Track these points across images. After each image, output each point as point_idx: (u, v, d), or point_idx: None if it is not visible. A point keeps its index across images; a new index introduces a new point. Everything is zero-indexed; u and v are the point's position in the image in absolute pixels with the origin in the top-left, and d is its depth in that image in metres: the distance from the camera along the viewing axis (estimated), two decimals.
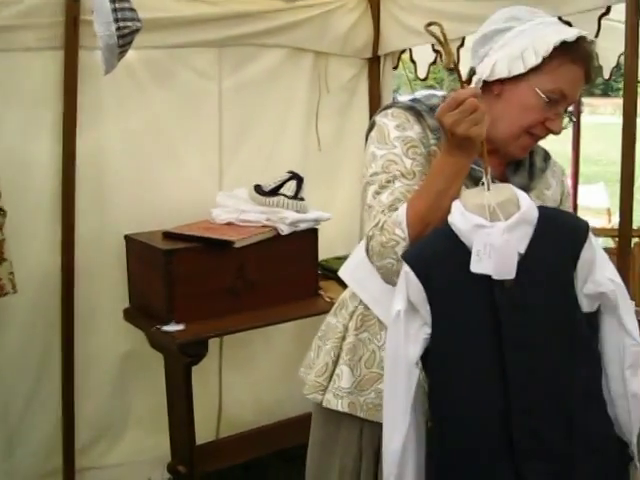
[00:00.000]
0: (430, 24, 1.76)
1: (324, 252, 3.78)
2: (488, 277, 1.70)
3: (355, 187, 4.17)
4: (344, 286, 3.58)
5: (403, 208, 1.83)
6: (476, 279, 1.70)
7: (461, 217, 1.73)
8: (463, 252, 1.72)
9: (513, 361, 1.72)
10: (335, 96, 4.18)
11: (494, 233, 1.69)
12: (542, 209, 1.77)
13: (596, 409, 1.83)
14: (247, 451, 3.69)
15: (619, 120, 3.35)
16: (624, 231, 3.38)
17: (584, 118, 6.29)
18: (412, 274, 1.74)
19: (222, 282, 3.30)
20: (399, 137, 1.95)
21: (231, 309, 3.30)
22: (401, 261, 1.79)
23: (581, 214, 6.72)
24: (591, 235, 1.80)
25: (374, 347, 2.08)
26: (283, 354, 3.96)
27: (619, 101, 3.77)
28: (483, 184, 1.76)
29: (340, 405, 2.09)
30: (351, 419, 2.11)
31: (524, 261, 1.71)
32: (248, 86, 3.81)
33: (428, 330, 1.76)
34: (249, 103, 3.83)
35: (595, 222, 7.89)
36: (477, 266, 1.69)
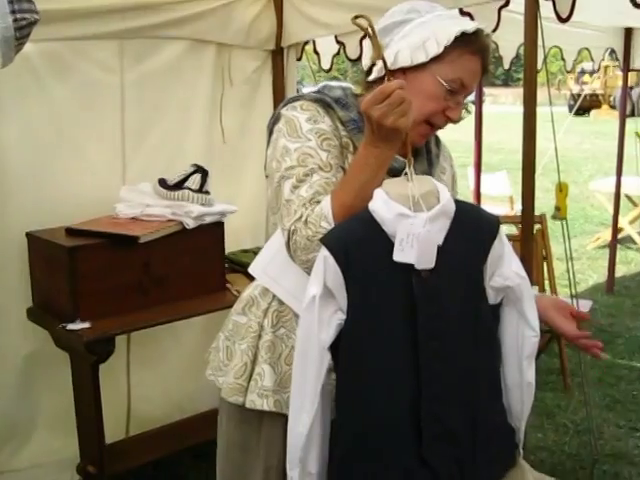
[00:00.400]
0: (357, 17, 1.76)
1: (231, 245, 3.77)
2: (406, 266, 1.72)
3: (261, 180, 4.14)
4: (252, 279, 3.59)
5: (327, 201, 1.83)
6: (394, 267, 1.73)
7: (384, 205, 1.74)
8: (383, 240, 1.74)
9: (426, 349, 1.76)
10: (239, 88, 4.17)
11: (417, 223, 1.71)
12: (457, 203, 1.81)
13: (495, 397, 1.92)
14: (157, 448, 3.66)
15: (520, 109, 3.42)
16: (526, 218, 3.45)
17: (486, 108, 6.39)
18: (331, 259, 1.74)
19: (128, 278, 3.25)
20: (312, 130, 1.95)
21: (138, 305, 3.27)
22: None
23: (484, 202, 6.89)
24: (501, 230, 1.87)
25: (293, 343, 2.04)
26: (192, 349, 3.94)
27: (519, 90, 3.84)
28: (404, 175, 1.78)
29: (266, 404, 2.06)
30: (272, 417, 2.10)
31: (440, 252, 1.75)
32: (151, 79, 3.76)
33: (342, 316, 1.77)
34: (152, 96, 3.78)
35: (498, 210, 8.06)
36: (400, 255, 1.71)
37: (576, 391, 5.02)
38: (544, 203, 5.40)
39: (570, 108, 29.91)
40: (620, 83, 8.33)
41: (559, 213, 4.09)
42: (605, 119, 26.09)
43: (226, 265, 3.70)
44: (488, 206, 7.68)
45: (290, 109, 2.00)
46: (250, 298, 2.17)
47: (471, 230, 1.82)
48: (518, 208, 3.91)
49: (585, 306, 5.74)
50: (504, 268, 1.86)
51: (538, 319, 1.92)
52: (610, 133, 8.30)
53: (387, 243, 1.74)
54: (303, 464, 1.83)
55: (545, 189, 5.06)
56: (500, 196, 8.57)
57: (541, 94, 3.51)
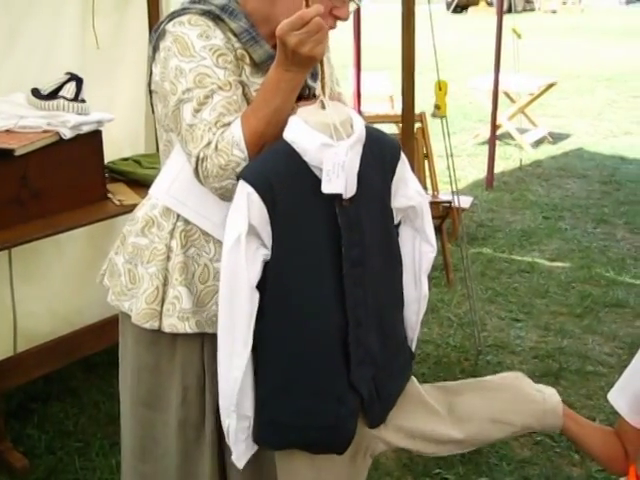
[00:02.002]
0: None
1: (110, 154, 3.68)
2: (328, 196, 1.71)
3: (138, 86, 4.06)
4: (134, 188, 3.52)
5: (238, 127, 1.77)
6: (317, 198, 1.72)
7: (307, 135, 1.71)
8: (305, 171, 1.72)
9: (350, 277, 1.78)
10: None
11: (340, 152, 1.69)
12: (365, 128, 1.79)
13: (399, 315, 2.00)
14: (47, 363, 3.59)
15: (398, 8, 3.39)
16: (407, 117, 3.48)
17: (365, 7, 6.34)
18: (255, 195, 1.70)
19: (5, 192, 3.13)
20: (205, 47, 1.85)
21: (17, 220, 3.17)
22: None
23: (365, 102, 6.89)
24: (402, 153, 1.89)
25: (205, 261, 2.02)
26: (77, 261, 3.87)
27: None
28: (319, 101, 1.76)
29: (188, 327, 2.02)
30: (188, 338, 2.06)
31: (357, 180, 1.75)
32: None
33: (265, 251, 1.75)
34: (17, 1, 3.59)
35: (379, 109, 8.09)
36: (328, 186, 1.69)
37: (459, 285, 5.17)
38: (424, 101, 5.43)
39: (448, 6, 30.10)
40: None
41: (439, 111, 4.13)
42: (482, 16, 26.27)
43: (106, 175, 3.62)
44: (369, 105, 7.71)
45: (177, 25, 1.88)
46: (149, 218, 2.07)
47: (378, 154, 1.83)
48: (399, 107, 3.92)
49: (466, 202, 5.88)
50: (407, 189, 1.91)
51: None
52: (488, 30, 8.36)
53: (310, 174, 1.72)
54: (239, 409, 1.80)
55: (424, 88, 5.09)
56: (381, 95, 8.59)
57: None
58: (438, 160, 5.86)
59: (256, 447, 1.88)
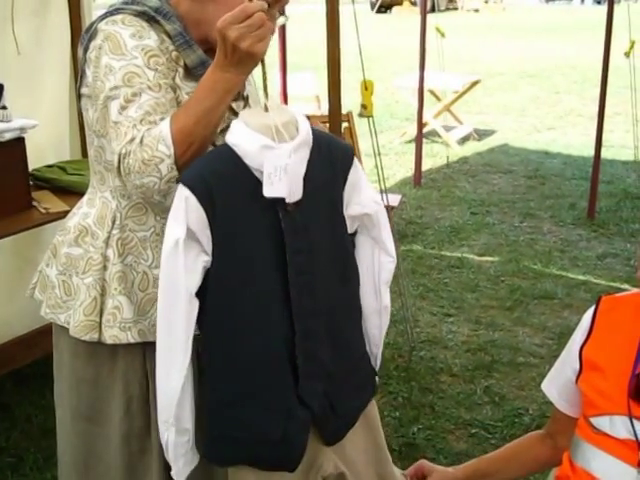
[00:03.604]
0: None
1: (34, 161, 3.61)
2: (272, 201, 1.66)
3: (61, 91, 4.00)
4: (59, 195, 3.46)
5: (166, 124, 1.73)
6: (260, 203, 1.66)
7: (247, 137, 1.66)
8: (247, 174, 1.67)
9: (297, 285, 1.72)
10: None
11: (283, 154, 1.64)
12: (313, 132, 1.75)
13: (357, 327, 1.93)
14: None
15: (322, 8, 3.40)
16: (334, 116, 3.48)
17: (289, 7, 6.33)
18: (194, 199, 1.64)
19: None
20: (138, 46, 1.81)
21: None
22: (165, 180, 1.70)
23: (291, 102, 6.88)
24: (355, 159, 1.84)
25: (144, 268, 1.97)
26: (2, 272, 3.78)
27: None
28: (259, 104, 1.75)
29: (130, 336, 1.96)
30: (129, 347, 2.00)
31: (304, 184, 1.70)
32: None
33: (206, 258, 1.69)
34: None
35: (305, 109, 8.09)
36: (270, 190, 1.64)
37: (391, 283, 5.19)
38: (351, 101, 5.46)
39: (372, 6, 30.29)
40: None
41: (365, 110, 4.15)
42: (406, 16, 26.50)
43: (31, 182, 3.55)
44: (296, 106, 7.70)
45: (110, 23, 1.84)
46: (83, 227, 2.01)
47: (328, 159, 1.77)
48: (325, 107, 3.93)
49: (395, 200, 5.92)
50: (362, 196, 1.85)
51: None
52: (412, 29, 8.45)
53: (251, 178, 1.67)
54: (178, 422, 1.75)
55: (351, 87, 5.11)
56: (307, 96, 8.60)
57: None
58: (366, 159, 5.89)
59: (195, 462, 1.83)
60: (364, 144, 5.46)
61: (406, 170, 8.11)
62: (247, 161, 1.66)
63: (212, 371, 1.77)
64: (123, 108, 1.78)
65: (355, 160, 1.85)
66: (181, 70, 1.89)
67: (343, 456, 1.90)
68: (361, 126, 5.54)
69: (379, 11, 29.86)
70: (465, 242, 6.10)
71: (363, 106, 4.25)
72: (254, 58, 1.69)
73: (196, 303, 1.70)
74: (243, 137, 1.67)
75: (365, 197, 1.86)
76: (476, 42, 19.86)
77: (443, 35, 8.02)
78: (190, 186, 1.64)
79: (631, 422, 1.65)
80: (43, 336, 3.50)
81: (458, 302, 4.96)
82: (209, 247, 1.68)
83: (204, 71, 1.79)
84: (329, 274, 1.79)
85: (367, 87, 4.18)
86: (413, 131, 8.31)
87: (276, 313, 1.73)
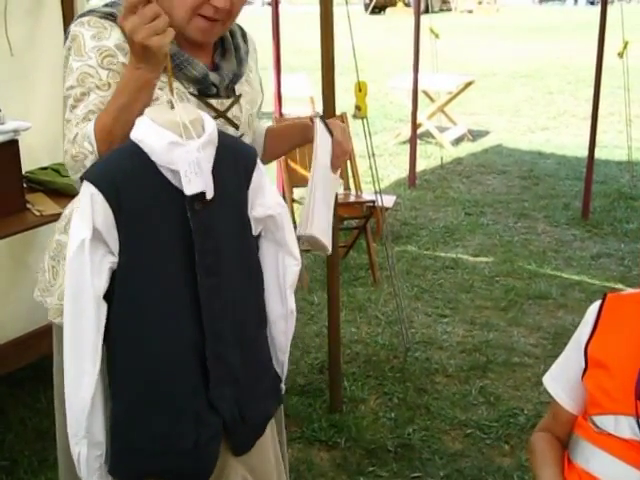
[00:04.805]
0: None
1: (28, 164, 3.60)
2: (180, 200, 1.64)
3: (55, 93, 3.96)
4: (53, 198, 3.45)
5: (92, 121, 1.76)
6: (167, 201, 1.64)
7: (154, 134, 1.63)
8: (153, 172, 1.64)
9: (205, 287, 1.69)
10: None
11: (192, 150, 1.62)
12: (219, 133, 1.74)
13: (263, 334, 1.91)
14: None
15: (316, 9, 3.40)
16: (328, 117, 3.47)
17: (282, 8, 6.34)
18: (100, 197, 1.59)
19: None
20: (95, 47, 1.84)
21: None
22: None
23: (285, 104, 6.88)
24: (259, 161, 1.83)
25: None
26: None
27: None
28: (168, 102, 1.69)
29: None
30: None
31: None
32: None
33: (113, 259, 1.64)
34: None
35: (299, 110, 8.10)
36: (189, 187, 1.62)
37: (385, 284, 5.20)
38: (345, 102, 5.46)
39: (366, 7, 30.31)
40: None
41: (359, 112, 4.14)
42: (400, 17, 26.51)
43: (25, 185, 3.54)
44: (290, 107, 7.71)
45: (78, 25, 1.88)
46: (71, 216, 2.02)
47: (232, 160, 1.76)
48: (319, 108, 3.92)
49: (389, 201, 5.92)
50: (266, 198, 1.83)
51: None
52: (406, 30, 8.46)
53: (158, 175, 1.64)
54: (90, 435, 1.67)
55: (345, 88, 5.11)
56: (300, 97, 8.60)
57: None
58: (360, 160, 5.89)
59: (110, 478, 1.75)
60: (358, 145, 5.44)
61: (400, 171, 8.11)
62: (154, 158, 1.63)
63: (117, 378, 1.71)
64: (73, 107, 1.83)
65: (259, 162, 1.83)
66: None
67: (251, 467, 1.87)
68: (355, 127, 5.54)
69: (373, 12, 29.89)
70: (459, 243, 6.10)
71: (357, 107, 4.24)
72: (150, 52, 1.64)
73: (104, 307, 1.65)
74: (150, 133, 1.63)
75: (269, 199, 1.84)
76: (470, 43, 19.89)
77: (437, 36, 8.02)
78: (95, 183, 1.61)
79: (637, 423, 1.64)
80: (37, 339, 3.50)
81: (453, 303, 4.96)
82: (116, 247, 1.64)
83: (176, 65, 1.86)
84: (236, 276, 1.77)
85: (361, 88, 4.17)
86: (407, 132, 8.31)
87: (184, 316, 1.69)
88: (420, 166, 8.11)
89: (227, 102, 2.01)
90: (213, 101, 1.97)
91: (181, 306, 1.69)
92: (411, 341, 4.37)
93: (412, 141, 7.66)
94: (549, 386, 1.94)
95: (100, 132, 1.73)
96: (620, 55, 7.12)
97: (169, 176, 1.64)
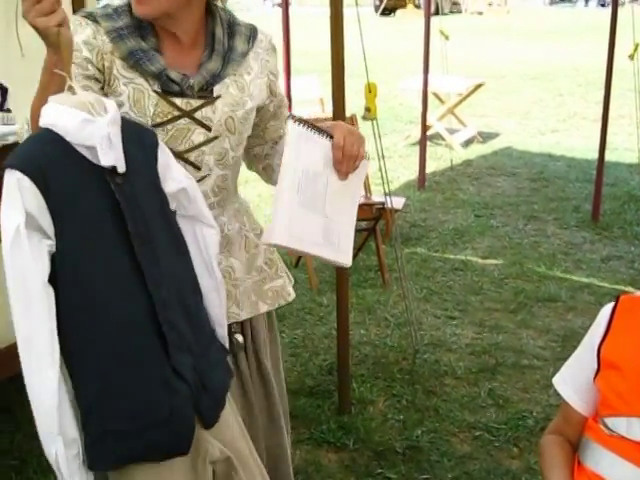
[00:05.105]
0: None
1: None
2: (101, 174, 1.67)
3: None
4: None
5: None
6: (91, 178, 1.67)
7: (65, 115, 1.64)
8: (71, 152, 1.66)
9: (142, 254, 1.70)
10: None
11: (103, 126, 1.65)
12: (121, 115, 1.78)
13: (202, 303, 1.92)
14: None
15: (326, 11, 3.40)
16: (338, 118, 3.48)
17: (292, 10, 6.34)
18: (27, 180, 1.59)
19: None
20: None
21: None
22: None
23: (295, 105, 6.89)
24: (160, 140, 1.86)
25: None
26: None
27: None
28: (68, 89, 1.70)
29: None
30: None
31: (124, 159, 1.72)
32: None
33: (49, 241, 1.62)
34: None
35: (309, 112, 8.09)
36: (105, 159, 1.65)
37: (394, 286, 5.20)
38: (354, 104, 5.46)
39: (376, 9, 30.30)
40: None
41: (369, 113, 4.15)
42: (410, 18, 26.50)
43: None
44: (300, 109, 7.71)
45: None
46: None
47: (136, 138, 1.79)
48: (329, 110, 3.93)
49: (399, 203, 5.92)
50: (173, 172, 1.86)
51: None
52: (416, 32, 8.47)
53: (76, 154, 1.66)
54: (64, 430, 1.62)
55: (355, 90, 5.10)
56: (311, 99, 8.60)
57: None
58: (370, 162, 5.88)
59: (92, 477, 1.69)
60: (368, 147, 5.45)
61: (410, 173, 8.11)
62: (69, 139, 1.65)
63: (77, 362, 1.67)
64: None
65: (160, 142, 1.86)
66: (118, 61, 1.97)
67: (224, 440, 1.88)
68: (365, 129, 5.53)
69: (383, 14, 29.90)
70: (469, 245, 6.10)
71: (367, 109, 4.24)
72: (41, 33, 1.66)
73: (52, 291, 1.62)
74: (61, 115, 1.65)
75: (177, 173, 1.87)
76: (480, 45, 19.87)
77: (447, 38, 8.02)
78: (20, 168, 1.60)
79: None
80: None
81: (462, 305, 4.95)
82: (51, 230, 1.62)
83: (135, 61, 1.95)
84: (165, 246, 1.79)
85: (371, 90, 4.18)
86: (417, 134, 8.30)
87: (131, 284, 1.69)
88: (430, 168, 8.11)
89: (196, 102, 2.02)
90: (177, 100, 1.99)
91: (125, 276, 1.69)
92: (420, 343, 4.36)
93: (422, 143, 7.65)
94: (560, 387, 1.93)
95: (31, 112, 1.80)
96: (631, 57, 7.10)
97: (86, 154, 1.66)
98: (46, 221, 1.61)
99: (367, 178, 5.62)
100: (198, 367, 1.78)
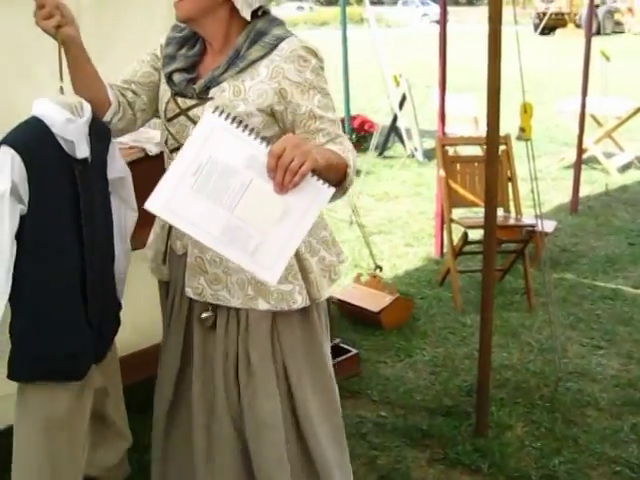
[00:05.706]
0: None
1: None
2: (69, 160, 2.22)
3: None
4: None
5: None
6: (62, 163, 2.22)
7: (55, 111, 2.18)
8: (52, 140, 2.20)
9: (87, 227, 2.29)
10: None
11: (81, 125, 2.23)
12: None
13: (112, 268, 2.52)
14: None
15: (484, 28, 3.38)
16: (491, 139, 3.45)
17: (450, 27, 6.32)
18: (18, 158, 2.12)
19: None
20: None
21: None
22: None
23: (449, 123, 6.85)
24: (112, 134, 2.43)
25: None
26: None
27: (484, 9, 3.80)
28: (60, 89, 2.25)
29: None
30: None
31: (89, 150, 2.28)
32: (107, 2, 3.62)
33: (22, 207, 2.17)
34: (109, 21, 3.63)
35: (463, 130, 8.05)
36: (80, 153, 2.24)
37: (540, 311, 5.09)
38: (509, 124, 5.40)
39: (535, 27, 29.79)
40: (586, 1, 8.27)
41: (524, 134, 4.10)
42: (571, 38, 25.94)
43: None
44: (453, 126, 7.67)
45: None
46: None
47: (101, 133, 2.34)
48: (483, 129, 3.90)
49: (549, 226, 5.80)
50: (117, 163, 2.45)
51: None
52: (576, 52, 8.31)
53: (55, 142, 2.20)
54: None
55: (510, 109, 5.05)
56: (465, 117, 8.55)
57: (506, 13, 3.46)
58: (522, 183, 5.78)
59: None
60: (521, 168, 5.38)
61: (563, 196, 7.93)
62: (54, 129, 2.19)
63: (21, 297, 2.23)
64: None
65: (110, 135, 2.41)
66: (162, 77, 2.43)
67: (107, 374, 2.60)
68: (519, 149, 5.46)
69: (542, 33, 29.35)
70: (620, 273, 5.91)
71: (522, 129, 4.20)
72: (45, 32, 2.19)
73: (15, 244, 2.17)
74: (51, 110, 2.19)
75: (119, 165, 2.48)
76: None
77: (608, 59, 7.83)
78: (14, 146, 2.13)
79: None
80: None
81: (609, 335, 4.80)
82: (26, 197, 2.17)
83: (163, 64, 2.40)
84: (102, 222, 2.40)
85: (526, 110, 4.13)
86: (572, 156, 8.12)
87: (72, 248, 2.29)
88: (583, 192, 7.91)
89: (190, 102, 2.29)
90: (180, 99, 2.32)
91: (69, 242, 2.28)
92: (563, 371, 4.26)
93: (577, 166, 7.48)
94: None
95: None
96: None
97: (62, 143, 2.21)
98: (24, 190, 2.16)
99: (518, 199, 5.53)
100: (101, 317, 2.41)
